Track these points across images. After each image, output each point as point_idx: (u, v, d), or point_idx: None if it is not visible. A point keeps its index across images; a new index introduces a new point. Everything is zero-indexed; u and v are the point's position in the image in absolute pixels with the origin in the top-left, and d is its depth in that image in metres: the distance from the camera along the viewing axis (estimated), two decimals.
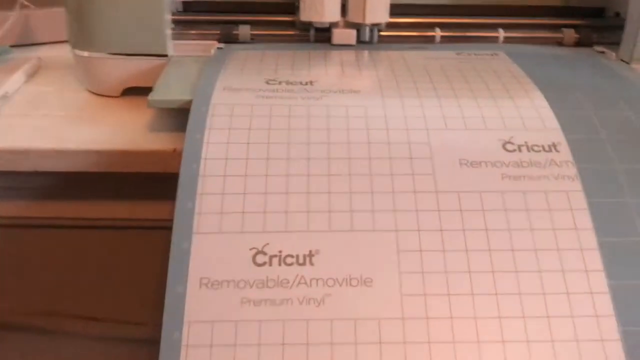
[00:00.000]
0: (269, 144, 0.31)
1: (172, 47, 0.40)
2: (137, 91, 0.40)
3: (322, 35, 0.42)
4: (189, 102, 0.33)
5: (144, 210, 0.38)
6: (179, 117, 0.36)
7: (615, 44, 0.41)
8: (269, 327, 0.26)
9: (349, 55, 0.40)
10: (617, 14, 0.44)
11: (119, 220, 0.38)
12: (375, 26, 0.42)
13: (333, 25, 0.41)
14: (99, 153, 0.34)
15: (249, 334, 0.26)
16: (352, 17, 0.41)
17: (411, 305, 0.26)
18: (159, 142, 0.35)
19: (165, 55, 0.40)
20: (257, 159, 0.30)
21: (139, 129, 0.36)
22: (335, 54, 0.41)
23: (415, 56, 0.40)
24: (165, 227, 0.37)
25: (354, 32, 0.42)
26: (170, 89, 0.36)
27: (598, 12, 0.45)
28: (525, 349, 0.26)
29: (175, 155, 0.34)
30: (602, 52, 0.41)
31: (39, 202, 0.38)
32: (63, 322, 0.41)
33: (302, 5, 0.40)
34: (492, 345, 0.26)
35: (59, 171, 0.35)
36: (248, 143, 0.31)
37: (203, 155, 0.30)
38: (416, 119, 0.32)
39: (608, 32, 0.43)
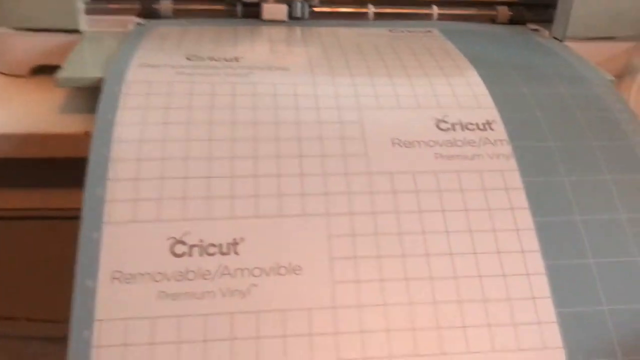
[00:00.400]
0: (189, 124, 0.28)
1: (86, 22, 0.37)
2: (48, 70, 0.37)
3: (251, 11, 0.40)
4: (101, 80, 0.30)
5: (57, 199, 0.35)
6: (93, 97, 0.33)
7: (548, 22, 0.41)
8: (190, 322, 0.24)
9: (279, 32, 0.38)
10: None
11: (29, 210, 0.35)
12: (307, 1, 0.40)
13: None
14: (3, 137, 0.31)
15: (167, 331, 0.24)
16: None
17: (343, 293, 0.25)
18: (71, 124, 0.32)
19: (78, 31, 0.36)
20: (176, 141, 0.28)
21: (49, 110, 0.33)
22: (264, 30, 0.38)
23: (348, 33, 0.38)
24: (73, 217, 0.35)
25: (284, 7, 0.40)
26: (81, 67, 0.33)
27: None
28: (462, 334, 0.25)
29: (87, 138, 0.31)
30: (536, 30, 0.41)
31: None
32: None
33: None
34: (427, 332, 0.25)
35: None
36: (165, 123, 0.28)
37: (114, 138, 0.27)
38: (348, 98, 0.30)
39: (541, 10, 0.43)
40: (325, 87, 0.31)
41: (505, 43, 0.38)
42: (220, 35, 0.37)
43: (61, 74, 0.31)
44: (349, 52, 0.35)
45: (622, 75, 0.39)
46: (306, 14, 0.40)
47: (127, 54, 0.32)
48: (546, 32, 0.40)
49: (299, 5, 0.40)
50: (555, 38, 0.39)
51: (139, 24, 0.38)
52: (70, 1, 0.35)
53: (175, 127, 0.28)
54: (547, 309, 0.25)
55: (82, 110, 0.33)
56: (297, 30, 0.39)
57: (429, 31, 0.39)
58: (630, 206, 0.28)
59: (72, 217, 0.34)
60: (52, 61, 0.37)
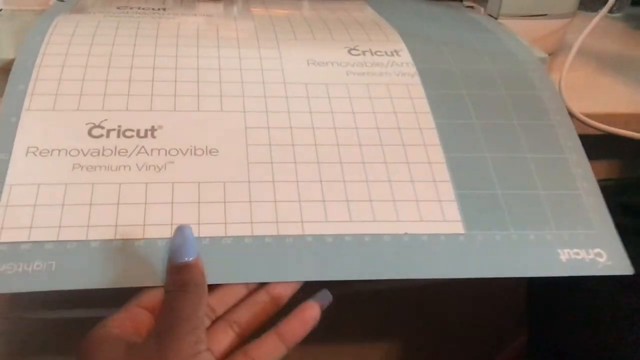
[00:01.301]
0: (113, 45, 0.30)
1: (1, 0, 0.37)
2: None
3: None
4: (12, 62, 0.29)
5: None
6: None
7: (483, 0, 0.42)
8: (103, 189, 0.24)
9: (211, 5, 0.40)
10: None
11: None
12: None
13: None
14: None
15: (80, 196, 0.24)
16: None
17: (258, 171, 0.26)
18: None
19: None
20: (101, 45, 0.29)
21: None
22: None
23: (285, 4, 0.41)
24: None
25: None
26: None
27: None
28: (369, 206, 0.26)
29: None
30: (471, 7, 0.43)
31: None
32: None
33: None
34: (336, 204, 0.25)
35: None
36: (91, 44, 0.30)
37: (38, 63, 0.28)
38: (267, 35, 0.33)
39: None
40: (248, 33, 0.33)
41: (435, 17, 0.41)
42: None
43: None
44: (277, 21, 0.37)
45: (555, 52, 0.40)
46: None
47: (42, 30, 0.32)
48: (481, 9, 0.42)
49: None
50: (490, 15, 0.40)
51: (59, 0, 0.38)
52: None
53: (99, 47, 0.30)
54: (448, 191, 0.27)
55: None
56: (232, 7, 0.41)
57: (363, 7, 0.41)
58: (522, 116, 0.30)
59: None
60: None
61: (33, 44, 0.29)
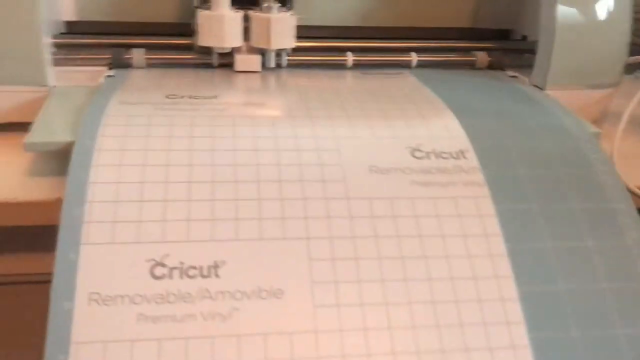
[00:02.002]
0: (169, 151, 0.29)
1: (54, 76, 0.35)
2: (14, 127, 0.34)
3: (224, 61, 0.39)
4: (71, 144, 0.29)
5: (23, 265, 0.33)
6: (63, 158, 0.30)
7: (526, 67, 0.41)
8: (170, 346, 0.23)
9: (254, 77, 0.39)
10: (524, 37, 0.45)
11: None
12: (281, 51, 0.39)
13: (235, 50, 0.39)
14: None
15: (147, 355, 0.23)
16: (256, 42, 0.38)
17: (324, 318, 0.25)
18: (41, 190, 0.30)
19: (46, 86, 0.34)
20: (155, 166, 0.28)
21: (16, 174, 0.31)
22: (240, 76, 0.39)
23: (324, 76, 0.39)
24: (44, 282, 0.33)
25: (258, 57, 0.39)
26: (51, 129, 0.31)
27: (505, 34, 0.46)
28: (440, 357, 0.25)
29: (60, 204, 0.29)
30: (514, 77, 0.41)
31: None
32: None
33: (200, 29, 0.37)
34: (406, 357, 0.25)
35: None
36: (146, 150, 0.28)
37: (94, 162, 0.27)
38: (324, 127, 0.31)
39: (518, 55, 0.43)
40: (302, 120, 0.32)
41: (483, 89, 0.39)
42: (197, 79, 0.37)
43: (31, 139, 0.30)
44: (324, 92, 0.36)
45: (599, 121, 0.39)
46: (283, 63, 0.40)
47: (97, 111, 0.31)
48: (525, 79, 0.40)
49: (273, 55, 0.39)
50: (535, 85, 0.39)
51: (109, 76, 0.37)
52: (38, 54, 0.34)
53: (154, 153, 0.28)
54: (520, 334, 0.26)
55: (53, 173, 0.31)
56: (273, 76, 0.39)
57: (406, 76, 0.40)
58: (596, 235, 0.29)
59: (40, 282, 0.33)
60: (18, 118, 0.34)
61: (84, 158, 0.28)
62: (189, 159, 0.28)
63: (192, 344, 0.24)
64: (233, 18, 0.37)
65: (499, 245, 0.28)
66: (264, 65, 0.39)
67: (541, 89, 0.38)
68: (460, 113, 0.33)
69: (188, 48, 0.40)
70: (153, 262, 0.25)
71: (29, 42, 0.33)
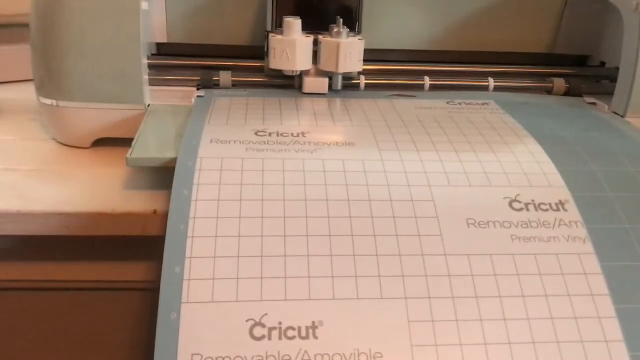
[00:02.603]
0: (262, 200, 0.28)
1: (149, 95, 0.38)
2: (109, 141, 0.38)
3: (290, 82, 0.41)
4: (173, 161, 0.30)
5: (114, 272, 0.34)
6: (157, 173, 0.33)
7: (604, 94, 0.41)
8: None
9: (335, 104, 0.39)
10: (603, 63, 0.44)
11: (86, 282, 0.35)
12: (348, 74, 0.40)
13: (304, 72, 0.40)
14: (69, 215, 0.31)
15: None
16: (324, 65, 0.39)
17: None
18: (137, 202, 0.32)
19: (142, 104, 0.37)
20: (251, 218, 0.28)
21: (113, 186, 0.33)
22: (322, 102, 0.39)
23: (405, 105, 0.39)
24: (138, 289, 0.34)
25: (325, 80, 0.40)
26: (151, 145, 0.33)
27: (583, 60, 0.46)
28: None
29: (156, 217, 0.31)
30: (593, 104, 0.41)
31: (1, 264, 0.34)
32: None
33: (271, 53, 0.38)
34: None
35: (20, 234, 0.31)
36: (240, 200, 0.28)
37: (192, 214, 0.27)
38: (417, 175, 0.30)
39: (596, 82, 0.43)
40: (393, 164, 0.31)
41: (565, 117, 0.38)
42: (282, 109, 0.37)
43: (133, 155, 0.31)
44: (410, 126, 0.35)
45: None
46: (362, 86, 0.41)
47: (196, 130, 0.33)
48: (605, 107, 0.40)
49: (339, 78, 0.40)
50: (616, 113, 0.39)
51: (199, 96, 0.39)
52: (137, 76, 0.36)
53: (249, 204, 0.28)
54: None
55: (147, 187, 0.33)
56: (354, 102, 0.39)
57: (486, 103, 0.39)
58: None
59: (134, 289, 0.34)
60: (115, 134, 0.37)
61: (181, 199, 0.28)
62: (282, 210, 0.28)
63: None
64: (304, 42, 0.38)
65: (607, 306, 0.26)
66: (330, 87, 0.40)
67: (622, 116, 0.38)
68: (554, 153, 0.32)
69: (260, 70, 0.41)
70: (252, 322, 0.25)
71: (130, 63, 0.36)
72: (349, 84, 0.41)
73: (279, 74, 0.40)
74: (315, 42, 0.38)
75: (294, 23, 0.37)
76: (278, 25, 0.39)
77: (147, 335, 0.34)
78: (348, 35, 0.38)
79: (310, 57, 0.38)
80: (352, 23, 0.40)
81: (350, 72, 0.40)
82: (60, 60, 0.36)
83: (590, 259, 0.28)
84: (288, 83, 0.41)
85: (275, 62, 0.38)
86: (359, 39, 0.38)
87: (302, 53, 0.38)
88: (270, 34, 0.38)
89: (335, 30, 0.38)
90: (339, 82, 0.40)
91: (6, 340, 0.36)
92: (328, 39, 0.38)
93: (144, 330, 0.35)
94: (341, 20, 0.38)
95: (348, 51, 0.38)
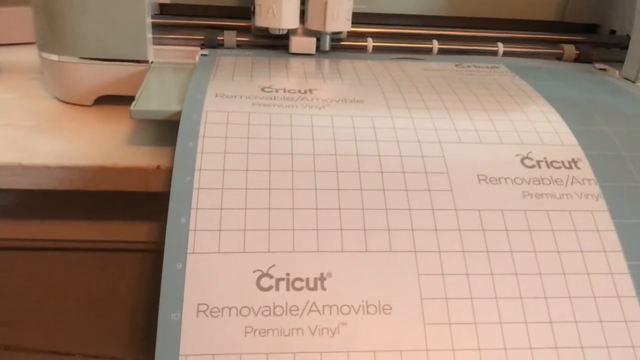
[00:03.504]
0: (270, 154, 0.28)
1: (153, 53, 0.37)
2: (111, 100, 0.37)
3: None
4: (178, 114, 0.29)
5: (116, 232, 0.34)
6: (161, 129, 0.32)
7: (615, 62, 0.40)
8: None
9: (343, 64, 0.38)
10: (613, 32, 0.43)
11: (87, 242, 0.34)
12: (337, 34, 0.39)
13: (291, 32, 0.39)
14: (72, 169, 0.30)
15: None
16: (311, 24, 0.38)
17: (435, 336, 0.24)
18: (140, 157, 0.31)
19: (146, 62, 0.36)
20: (258, 171, 0.27)
21: (116, 142, 0.33)
22: (327, 62, 0.38)
23: (414, 67, 0.38)
24: (140, 250, 0.34)
25: (313, 40, 0.39)
26: (155, 99, 0.32)
27: (592, 28, 0.45)
28: None
29: (160, 172, 0.30)
30: (604, 70, 0.40)
31: (1, 222, 0.34)
32: (20, 357, 0.36)
33: (257, 10, 0.37)
34: None
35: (23, 189, 0.31)
36: (247, 153, 0.28)
37: (197, 166, 0.27)
38: (428, 132, 0.30)
39: (606, 49, 0.42)
40: (403, 121, 0.30)
41: (577, 81, 0.38)
42: (288, 66, 0.37)
43: (136, 107, 0.31)
44: (420, 86, 0.34)
45: None
46: (369, 49, 0.40)
47: (201, 84, 0.32)
48: (616, 73, 0.39)
49: (327, 38, 0.39)
50: (627, 79, 0.39)
51: (203, 55, 0.38)
52: (142, 32, 0.35)
53: (256, 157, 0.28)
54: None
55: (150, 143, 0.32)
56: (364, 64, 0.38)
57: (496, 67, 0.39)
58: None
59: (125, 250, 0.34)
60: (117, 91, 0.37)
61: (187, 151, 0.27)
62: (290, 164, 0.27)
63: (300, 359, 0.23)
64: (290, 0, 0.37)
65: (620, 262, 0.26)
66: (318, 48, 0.39)
67: (633, 81, 0.38)
68: (566, 114, 0.32)
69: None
70: (260, 273, 0.24)
71: (135, 21, 0.35)
72: (355, 46, 0.40)
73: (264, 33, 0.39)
74: (304, 2, 0.38)
75: None
76: None
77: (151, 294, 0.34)
78: None
79: (297, 15, 0.37)
80: None
81: (339, 33, 0.39)
82: (63, 15, 0.35)
83: (603, 216, 0.27)
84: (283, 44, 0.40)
85: (261, 19, 0.37)
86: None
87: (289, 10, 0.37)
88: None
89: None
90: (327, 43, 0.39)
91: (6, 302, 0.35)
92: None
93: (147, 290, 0.35)
94: None
95: (335, 9, 0.37)
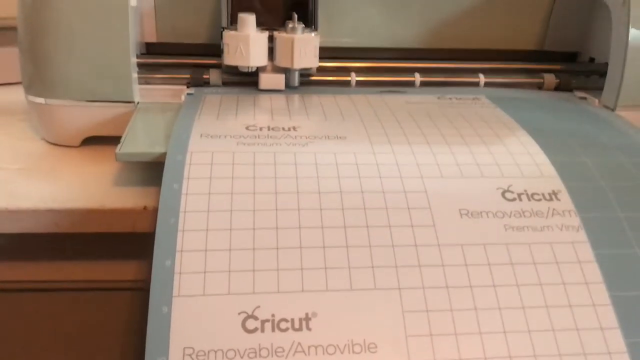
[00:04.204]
0: (254, 193, 0.28)
1: (138, 93, 0.37)
2: (98, 140, 0.37)
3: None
4: (163, 155, 0.30)
5: (103, 271, 0.34)
6: (148, 169, 0.33)
7: (595, 89, 0.41)
8: None
9: (327, 100, 0.38)
10: (592, 59, 0.44)
11: (73, 282, 0.34)
12: (305, 70, 0.40)
13: (260, 69, 0.39)
14: (59, 212, 0.30)
15: None
16: (280, 61, 0.38)
17: None
18: (127, 198, 0.31)
19: (132, 102, 0.37)
20: (242, 211, 0.27)
21: (103, 183, 0.33)
22: (314, 98, 0.39)
23: (396, 100, 0.38)
24: (127, 289, 0.34)
25: (282, 76, 0.39)
26: (141, 141, 0.33)
27: (572, 57, 0.46)
28: None
29: (146, 213, 0.30)
30: (584, 98, 0.41)
31: None
32: None
33: (225, 49, 0.38)
34: None
35: (9, 232, 0.31)
36: (232, 193, 0.28)
37: (182, 208, 0.27)
38: (410, 167, 0.30)
39: (586, 77, 0.43)
40: (385, 156, 0.31)
41: (556, 111, 0.38)
42: (272, 105, 0.37)
43: (122, 150, 0.31)
44: (402, 120, 0.35)
45: None
46: (352, 83, 0.40)
47: (187, 125, 0.33)
48: (596, 101, 0.40)
49: (296, 74, 0.40)
50: (606, 107, 0.39)
51: (189, 93, 0.39)
52: (127, 73, 0.36)
53: (241, 197, 0.28)
54: None
55: (136, 184, 0.33)
56: (346, 99, 0.39)
57: (477, 98, 0.39)
58: None
59: (113, 289, 0.34)
60: (104, 132, 0.37)
61: (172, 193, 0.28)
62: (274, 203, 0.28)
63: None
64: (258, 38, 0.37)
65: (602, 293, 0.26)
66: (287, 84, 0.40)
67: (612, 109, 0.39)
68: (546, 145, 0.32)
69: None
70: (245, 315, 0.25)
71: (120, 62, 0.36)
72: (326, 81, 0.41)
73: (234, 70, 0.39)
74: (272, 39, 0.38)
75: (248, 19, 0.37)
76: (234, 22, 0.38)
77: (138, 334, 0.34)
78: (303, 32, 0.38)
79: (265, 53, 0.38)
80: (309, 20, 0.39)
81: (309, 69, 0.40)
82: (49, 58, 0.35)
83: (584, 247, 0.27)
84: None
85: (229, 58, 0.38)
86: (314, 35, 0.38)
87: (256, 48, 0.37)
88: (225, 30, 0.38)
89: (290, 26, 0.38)
90: (295, 79, 0.40)
91: None
92: (283, 34, 0.38)
93: (134, 330, 0.34)
94: (296, 16, 0.38)
95: (303, 47, 0.37)
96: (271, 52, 0.38)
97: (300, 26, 0.38)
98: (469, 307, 0.25)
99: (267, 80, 0.39)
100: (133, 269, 0.34)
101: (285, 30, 0.38)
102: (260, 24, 0.38)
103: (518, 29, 0.45)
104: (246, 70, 0.38)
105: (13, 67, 0.45)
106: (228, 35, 0.37)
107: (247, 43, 0.37)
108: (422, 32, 0.44)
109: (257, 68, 0.39)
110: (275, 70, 0.39)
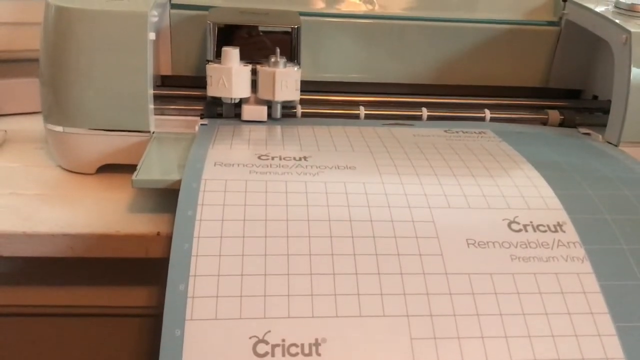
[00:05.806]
0: (266, 220, 0.29)
1: (154, 123, 0.39)
2: (113, 168, 0.38)
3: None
4: (178, 182, 0.31)
5: (116, 297, 0.35)
6: (161, 196, 0.34)
7: (598, 125, 0.42)
8: None
9: (336, 130, 0.39)
10: (595, 97, 0.45)
11: (86, 307, 0.35)
12: (288, 102, 0.41)
13: (244, 101, 0.40)
14: (74, 237, 0.31)
15: None
16: (262, 94, 0.40)
17: None
18: (141, 224, 0.32)
19: (148, 132, 0.38)
20: (254, 237, 0.28)
21: (117, 210, 0.34)
22: (324, 128, 0.40)
23: (404, 133, 0.39)
24: (139, 315, 0.35)
25: (264, 108, 0.40)
26: (156, 168, 0.34)
27: (576, 94, 0.47)
28: None
29: (159, 239, 0.31)
30: (588, 134, 0.42)
31: (4, 289, 0.34)
32: None
33: (209, 80, 0.39)
34: None
35: (25, 256, 0.32)
36: (244, 220, 0.29)
37: (196, 234, 0.28)
38: (418, 197, 0.31)
39: (589, 114, 0.44)
40: (394, 187, 0.32)
41: (561, 146, 0.39)
42: (283, 135, 0.38)
43: (138, 176, 0.32)
44: (410, 152, 0.36)
45: None
46: (361, 116, 0.41)
47: (201, 153, 0.34)
48: (599, 136, 0.41)
49: (278, 106, 0.40)
50: (609, 142, 0.40)
51: (202, 124, 0.40)
52: (144, 104, 0.37)
53: (253, 224, 0.29)
54: None
55: (150, 210, 0.34)
56: (354, 130, 0.40)
57: (483, 132, 0.40)
58: None
59: (135, 315, 0.35)
60: (119, 160, 0.38)
61: (186, 219, 0.29)
62: (285, 230, 0.28)
63: None
64: (240, 71, 0.39)
65: (607, 324, 0.27)
66: (270, 115, 0.41)
67: (615, 145, 0.39)
68: (551, 178, 0.33)
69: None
70: (255, 340, 0.25)
71: (138, 93, 0.37)
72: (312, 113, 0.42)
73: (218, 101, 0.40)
74: (255, 72, 0.40)
75: (231, 52, 0.38)
76: (219, 56, 0.40)
77: (152, 358, 0.34)
78: (286, 65, 0.39)
79: (248, 85, 0.39)
80: (292, 55, 0.40)
81: (291, 101, 0.41)
82: (69, 89, 0.37)
83: (589, 278, 0.28)
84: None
85: (212, 89, 0.39)
86: (296, 69, 0.39)
87: (239, 81, 0.39)
88: (209, 63, 0.39)
89: (272, 60, 0.39)
90: (278, 111, 0.41)
91: None
92: (265, 68, 0.39)
93: (144, 356, 0.35)
94: (279, 50, 0.39)
95: (284, 80, 0.39)
96: (255, 84, 0.40)
97: (282, 60, 0.39)
98: (476, 335, 0.26)
99: (250, 111, 0.40)
100: (144, 295, 0.34)
101: (268, 64, 0.39)
102: (246, 58, 0.39)
103: (523, 67, 0.46)
104: (229, 101, 0.40)
105: (30, 97, 0.46)
106: (211, 67, 0.39)
107: (230, 75, 0.38)
108: (429, 70, 0.45)
109: (241, 100, 0.40)
110: (257, 102, 0.40)
